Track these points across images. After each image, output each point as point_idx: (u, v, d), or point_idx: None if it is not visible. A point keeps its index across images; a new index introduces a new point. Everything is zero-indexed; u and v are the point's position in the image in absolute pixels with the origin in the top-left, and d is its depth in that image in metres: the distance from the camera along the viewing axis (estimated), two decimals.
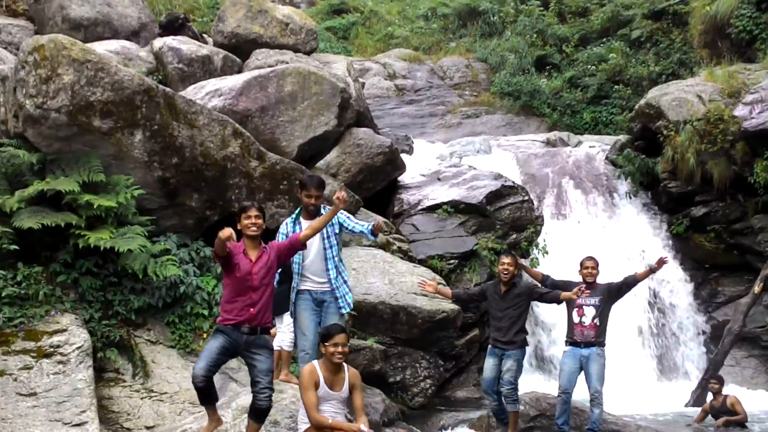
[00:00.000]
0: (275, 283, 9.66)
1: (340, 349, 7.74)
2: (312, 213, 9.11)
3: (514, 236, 18.27)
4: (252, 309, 7.95)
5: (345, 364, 7.97)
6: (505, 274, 10.10)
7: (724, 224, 19.34)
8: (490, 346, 10.25)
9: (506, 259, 10.24)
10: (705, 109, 19.68)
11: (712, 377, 14.60)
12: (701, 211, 19.61)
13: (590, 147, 23.81)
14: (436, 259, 17.00)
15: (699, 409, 14.60)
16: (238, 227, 8.20)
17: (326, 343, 7.85)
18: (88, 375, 11.19)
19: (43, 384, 10.90)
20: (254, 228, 8.15)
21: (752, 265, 18.80)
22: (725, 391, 14.18)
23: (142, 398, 11.76)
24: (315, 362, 7.92)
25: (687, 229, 19.85)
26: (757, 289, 17.18)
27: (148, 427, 11.23)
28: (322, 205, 9.35)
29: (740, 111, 19.24)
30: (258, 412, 7.96)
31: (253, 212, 8.22)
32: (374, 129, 19.80)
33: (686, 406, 15.62)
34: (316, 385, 7.63)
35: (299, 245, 8.20)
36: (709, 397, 14.42)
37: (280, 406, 9.36)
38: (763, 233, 18.50)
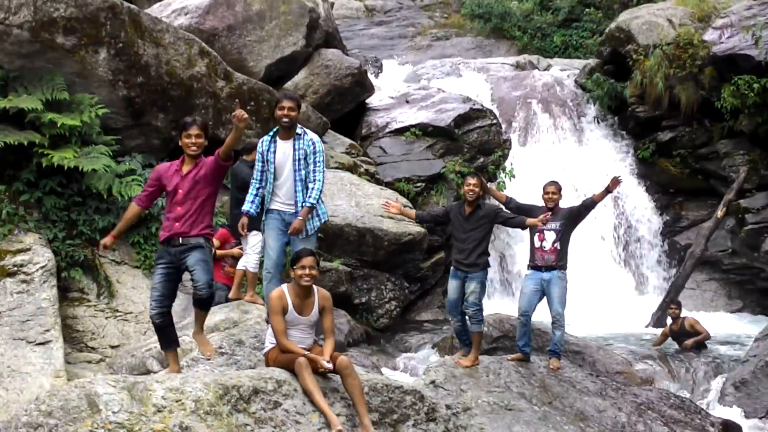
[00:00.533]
0: (237, 201, 9.62)
1: (307, 271, 7.63)
2: (287, 128, 8.88)
3: (482, 159, 18.33)
4: (177, 223, 7.71)
5: (315, 287, 7.90)
6: (470, 194, 10.04)
7: (689, 149, 19.44)
8: (453, 268, 10.24)
9: (472, 180, 10.16)
10: (675, 34, 19.64)
11: (672, 301, 14.77)
12: (668, 136, 19.69)
13: (561, 70, 23.75)
14: (404, 181, 17.02)
15: (659, 330, 14.85)
16: (180, 144, 7.99)
17: (294, 267, 7.78)
18: (52, 294, 11.19)
19: (7, 303, 10.89)
20: (194, 147, 7.82)
21: (716, 189, 18.98)
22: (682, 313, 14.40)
23: (106, 318, 11.79)
24: (284, 286, 7.80)
25: (653, 154, 19.93)
26: (720, 213, 17.37)
27: (112, 346, 11.29)
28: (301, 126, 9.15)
29: (710, 35, 19.20)
30: (200, 302, 7.83)
31: (194, 131, 7.82)
32: (343, 50, 19.62)
33: (647, 327, 15.87)
34: (285, 310, 7.57)
35: (222, 162, 7.85)
36: (669, 320, 14.64)
37: (245, 326, 9.43)
38: (728, 158, 18.62)
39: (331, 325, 7.77)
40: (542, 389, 9.52)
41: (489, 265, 10.19)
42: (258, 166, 9.00)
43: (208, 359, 8.18)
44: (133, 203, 8.06)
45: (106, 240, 7.94)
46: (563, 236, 10.21)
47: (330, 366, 7.25)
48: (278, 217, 8.89)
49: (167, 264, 7.76)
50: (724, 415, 10.59)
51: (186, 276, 7.99)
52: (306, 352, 7.42)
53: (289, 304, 7.58)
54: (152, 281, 7.94)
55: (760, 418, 10.94)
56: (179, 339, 8.26)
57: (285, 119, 8.78)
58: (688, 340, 13.77)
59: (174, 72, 13.91)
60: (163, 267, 7.79)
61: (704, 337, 13.84)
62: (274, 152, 8.87)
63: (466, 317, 10.11)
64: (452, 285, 10.07)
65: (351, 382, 7.21)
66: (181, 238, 7.72)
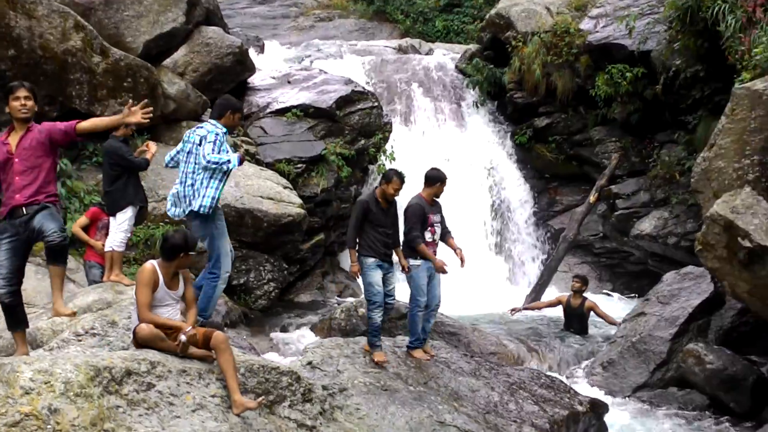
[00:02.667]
0: (111, 178, 9.41)
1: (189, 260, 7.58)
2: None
3: (363, 142, 18.37)
4: (18, 195, 7.30)
5: None
6: (394, 196, 9.78)
7: (565, 135, 19.98)
8: (375, 259, 9.75)
9: (400, 184, 9.85)
10: (553, 22, 20.10)
11: (576, 277, 14.65)
12: (544, 122, 20.16)
13: (443, 55, 24.00)
14: (284, 162, 16.92)
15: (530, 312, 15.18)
16: (7, 110, 7.52)
17: (181, 255, 7.52)
18: None
19: None
20: (24, 110, 7.36)
21: (589, 175, 19.54)
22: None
23: None
24: (155, 262, 7.65)
25: (530, 140, 20.39)
26: (592, 198, 17.90)
27: None
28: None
29: (586, 24, 19.73)
30: (52, 252, 7.44)
31: (22, 93, 7.38)
32: (224, 28, 19.36)
33: (523, 307, 16.07)
34: (155, 285, 7.44)
35: (75, 136, 7.46)
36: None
37: (119, 306, 9.23)
38: (601, 145, 19.18)
39: (192, 296, 7.72)
40: (418, 370, 9.64)
41: None
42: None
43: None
44: None
45: None
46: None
47: (183, 338, 7.17)
48: None
49: (12, 237, 7.36)
50: (592, 394, 10.95)
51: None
52: (168, 319, 7.32)
53: (161, 279, 7.44)
54: None
55: (626, 397, 11.36)
56: (51, 319, 8.05)
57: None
58: (606, 318, 13.93)
59: (47, 46, 13.51)
60: (7, 241, 7.36)
61: (611, 321, 13.89)
62: None
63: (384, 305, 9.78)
64: (378, 277, 9.52)
65: (224, 358, 7.10)
66: (24, 208, 7.33)
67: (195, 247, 7.59)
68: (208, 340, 7.25)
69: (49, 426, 5.99)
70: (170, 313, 7.51)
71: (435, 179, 10.03)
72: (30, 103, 7.42)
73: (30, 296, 10.85)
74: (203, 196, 8.46)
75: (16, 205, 7.33)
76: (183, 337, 7.18)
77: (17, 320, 7.60)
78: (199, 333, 7.37)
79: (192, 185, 8.51)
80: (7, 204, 7.35)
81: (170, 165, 8.98)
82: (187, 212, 8.59)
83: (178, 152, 8.81)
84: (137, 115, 7.37)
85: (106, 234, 10.76)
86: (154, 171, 13.74)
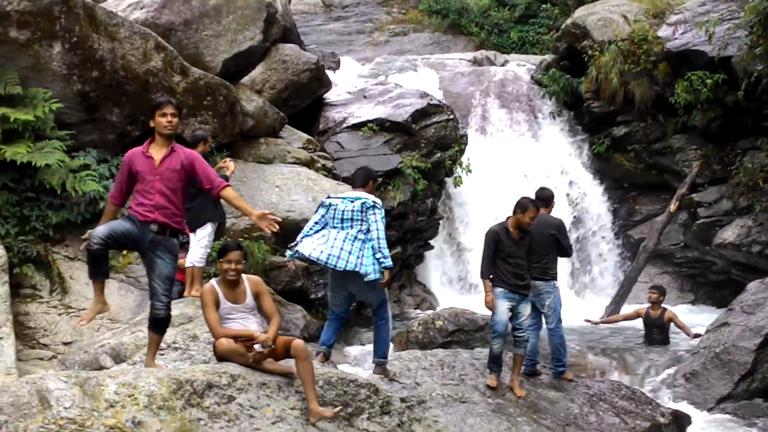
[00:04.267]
0: (190, 195, 9.54)
1: (233, 266, 7.52)
2: None
3: (439, 155, 18.34)
4: (157, 212, 7.40)
5: (243, 275, 7.79)
6: (529, 226, 9.76)
7: (643, 144, 19.70)
8: (504, 289, 9.69)
9: (534, 212, 9.81)
10: (630, 30, 19.90)
11: (652, 288, 14.44)
12: (622, 131, 19.92)
13: (518, 66, 23.91)
14: None
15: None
16: (152, 125, 7.62)
17: (221, 260, 7.62)
18: (4, 291, 11.03)
19: None
20: (170, 127, 7.48)
21: (669, 184, 19.24)
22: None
23: (59, 314, 11.65)
24: (213, 281, 7.71)
25: (608, 149, 20.17)
26: (672, 207, 17.64)
27: (65, 343, 11.17)
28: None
29: (664, 31, 19.47)
30: (156, 323, 7.55)
31: (169, 110, 7.46)
32: (300, 45, 19.58)
33: (600, 320, 15.85)
34: (217, 303, 7.48)
35: (214, 194, 7.70)
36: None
37: (200, 321, 9.39)
38: (681, 153, 18.86)
39: (271, 307, 7.68)
40: None
41: None
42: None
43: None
44: (109, 203, 7.84)
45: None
46: None
47: (258, 347, 7.25)
48: None
49: (136, 234, 7.42)
50: (674, 405, 10.78)
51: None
52: (245, 332, 7.39)
53: (220, 296, 7.50)
54: (116, 220, 7.63)
55: (710, 410, 11.14)
56: (134, 334, 8.21)
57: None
58: (684, 329, 13.57)
59: (129, 66, 13.81)
60: (132, 228, 7.43)
61: (688, 333, 13.55)
62: None
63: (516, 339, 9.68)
64: (504, 307, 9.41)
65: (303, 366, 7.16)
66: (158, 227, 7.44)
67: (224, 253, 7.63)
68: (288, 349, 7.32)
69: None
70: (242, 324, 7.56)
71: (550, 198, 10.42)
72: (175, 120, 7.56)
73: (113, 312, 11.13)
74: (372, 269, 8.90)
75: (155, 221, 7.45)
76: (258, 347, 7.26)
77: (100, 271, 7.63)
78: (278, 342, 7.44)
79: (358, 250, 8.94)
80: (146, 216, 7.45)
81: (314, 230, 9.24)
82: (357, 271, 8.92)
83: (323, 217, 9.22)
84: (266, 221, 7.51)
85: (183, 250, 10.96)
86: (232, 188, 13.94)
